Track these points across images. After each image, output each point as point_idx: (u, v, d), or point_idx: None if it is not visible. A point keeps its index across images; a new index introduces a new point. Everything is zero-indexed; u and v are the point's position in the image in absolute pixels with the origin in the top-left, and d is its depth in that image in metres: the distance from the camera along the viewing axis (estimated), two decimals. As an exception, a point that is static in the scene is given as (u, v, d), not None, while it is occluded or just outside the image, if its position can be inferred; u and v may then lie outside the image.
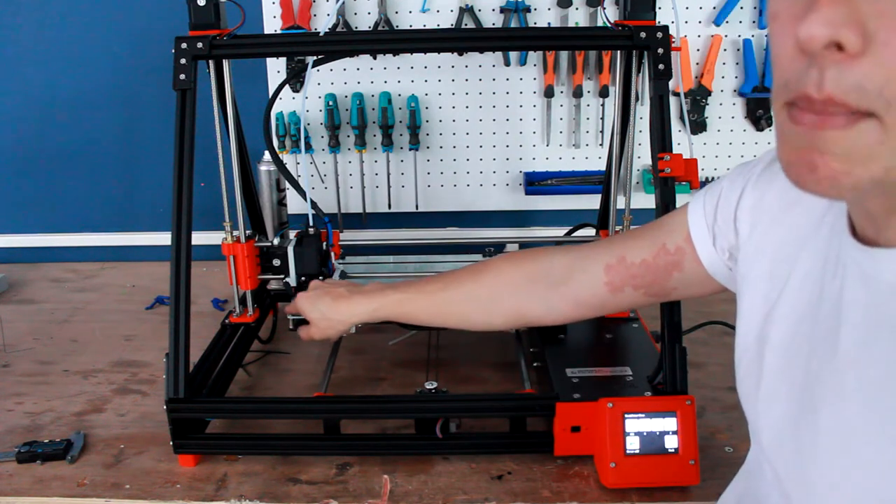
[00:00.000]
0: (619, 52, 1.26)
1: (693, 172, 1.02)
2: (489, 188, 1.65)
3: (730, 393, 1.13)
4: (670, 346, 0.97)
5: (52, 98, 1.63)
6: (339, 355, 1.20)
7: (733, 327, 1.28)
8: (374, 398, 1.12)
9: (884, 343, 0.47)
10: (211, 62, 1.12)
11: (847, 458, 0.49)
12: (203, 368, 1.10)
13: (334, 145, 1.60)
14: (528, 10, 1.52)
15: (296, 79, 1.54)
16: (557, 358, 1.12)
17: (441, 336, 1.29)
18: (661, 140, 1.03)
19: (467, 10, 1.52)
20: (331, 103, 1.57)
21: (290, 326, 1.18)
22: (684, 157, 1.02)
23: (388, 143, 1.59)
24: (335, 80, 1.58)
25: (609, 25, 1.08)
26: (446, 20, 1.54)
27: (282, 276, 1.23)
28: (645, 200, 1.32)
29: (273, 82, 1.59)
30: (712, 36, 1.54)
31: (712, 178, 1.63)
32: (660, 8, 1.06)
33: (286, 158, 1.61)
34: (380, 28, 1.53)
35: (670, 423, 0.93)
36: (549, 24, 1.54)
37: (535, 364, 1.17)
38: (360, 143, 1.59)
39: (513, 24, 1.52)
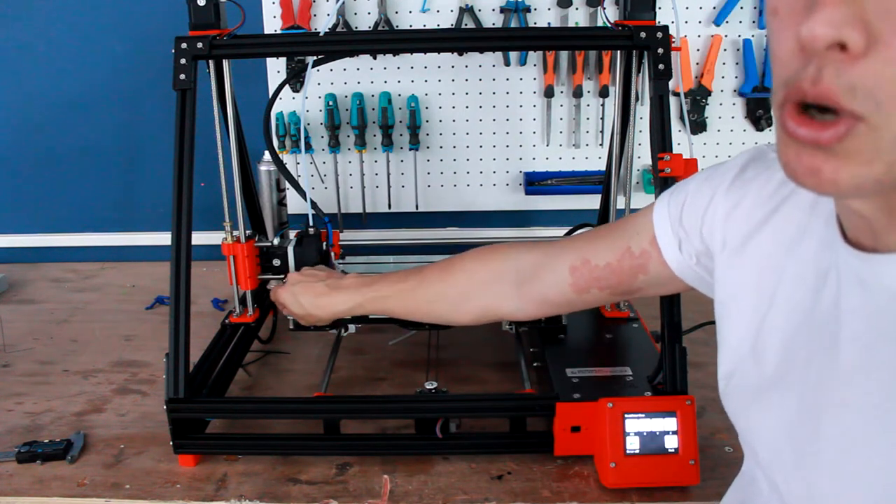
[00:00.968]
0: (619, 52, 1.26)
1: (693, 172, 1.02)
2: (489, 188, 1.65)
3: (730, 393, 1.13)
4: (670, 346, 0.97)
5: (53, 98, 1.63)
6: (339, 355, 1.20)
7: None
8: (374, 398, 1.12)
9: (887, 350, 0.47)
10: (211, 62, 1.12)
11: (851, 467, 0.49)
12: (203, 368, 1.10)
13: (334, 145, 1.60)
14: (528, 10, 1.52)
15: (296, 79, 1.54)
16: (557, 358, 1.12)
17: (441, 336, 1.29)
18: (661, 140, 1.03)
19: (467, 10, 1.52)
20: (331, 103, 1.57)
21: (291, 326, 1.18)
22: (684, 157, 1.02)
23: (388, 143, 1.59)
24: (335, 80, 1.58)
25: (609, 25, 1.08)
26: (446, 20, 1.54)
27: (282, 276, 1.23)
28: (645, 200, 1.32)
29: (273, 82, 1.59)
30: (712, 36, 1.54)
31: (712, 178, 1.63)
32: (660, 8, 1.06)
33: (286, 158, 1.61)
34: (380, 28, 1.53)
35: (670, 423, 0.93)
36: (549, 24, 1.54)
37: (535, 364, 1.17)
38: (360, 143, 1.59)
39: (513, 24, 1.52)
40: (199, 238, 1.08)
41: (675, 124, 1.30)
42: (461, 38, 1.24)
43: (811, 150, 0.41)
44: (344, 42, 1.19)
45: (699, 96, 1.57)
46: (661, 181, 1.01)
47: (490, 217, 1.67)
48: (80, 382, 1.22)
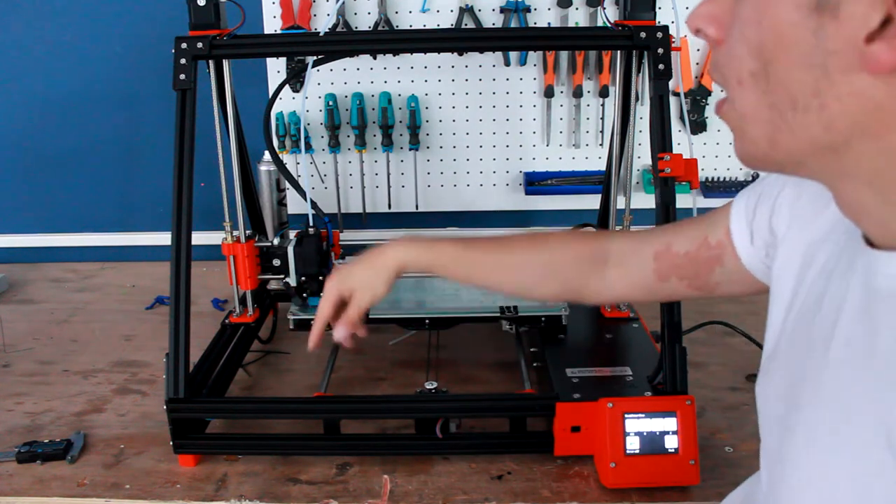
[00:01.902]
0: (619, 52, 1.26)
1: (693, 172, 1.02)
2: (489, 188, 1.65)
3: (730, 393, 1.13)
4: (670, 346, 0.97)
5: (53, 98, 1.63)
6: (339, 355, 1.20)
7: (733, 327, 1.30)
8: (374, 398, 1.12)
9: (863, 349, 0.47)
10: (211, 62, 1.12)
11: (813, 467, 0.49)
12: (203, 368, 1.10)
13: (334, 145, 1.60)
14: (528, 10, 1.52)
15: (296, 79, 1.54)
16: (557, 358, 1.12)
17: (441, 336, 1.29)
18: (661, 140, 1.03)
19: (467, 10, 1.52)
20: (331, 103, 1.57)
21: (291, 326, 1.18)
22: (684, 157, 1.02)
23: (388, 143, 1.59)
24: (335, 80, 1.58)
25: (609, 25, 1.08)
26: (446, 20, 1.54)
27: (282, 276, 1.23)
28: (645, 200, 1.32)
29: (273, 82, 1.59)
30: (712, 36, 1.53)
31: (712, 178, 1.63)
32: (660, 8, 1.06)
33: (286, 158, 1.61)
34: (380, 28, 1.53)
35: (670, 423, 0.93)
36: (549, 24, 1.54)
37: (535, 364, 1.17)
38: (360, 143, 1.59)
39: (513, 24, 1.52)
40: (199, 238, 1.08)
41: (675, 124, 1.30)
42: (461, 38, 1.24)
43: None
44: (344, 42, 1.19)
45: (699, 96, 1.57)
46: (661, 181, 1.01)
47: (490, 217, 1.67)
48: (80, 382, 1.22)
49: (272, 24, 1.55)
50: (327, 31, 1.06)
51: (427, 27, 1.53)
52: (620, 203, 1.22)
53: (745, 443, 1.01)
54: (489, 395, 1.14)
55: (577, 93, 1.57)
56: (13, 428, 1.10)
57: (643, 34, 1.03)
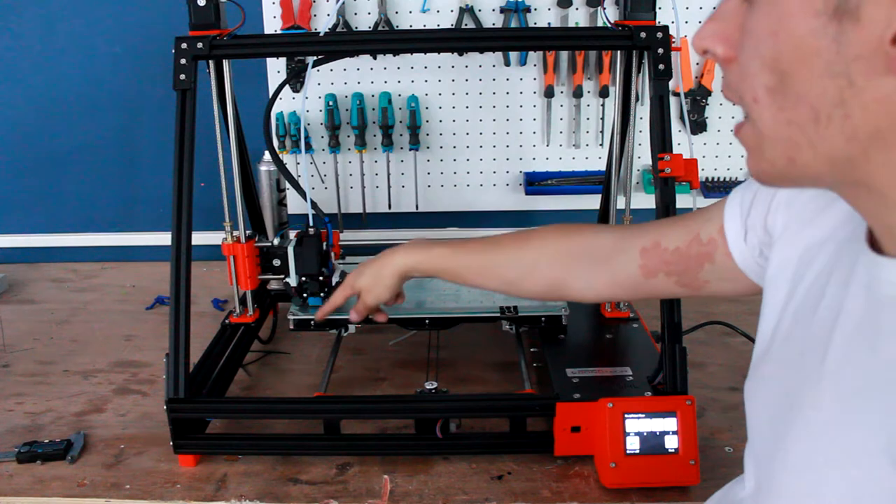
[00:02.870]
0: (619, 52, 1.26)
1: (693, 172, 1.02)
2: (489, 188, 1.65)
3: (730, 393, 1.13)
4: (670, 346, 0.97)
5: (53, 98, 1.63)
6: (339, 355, 1.20)
7: (733, 327, 1.30)
8: (374, 398, 1.12)
9: (865, 357, 0.46)
10: (211, 62, 1.12)
11: (811, 474, 0.48)
12: (203, 368, 1.10)
13: (334, 145, 1.60)
14: (528, 10, 1.52)
15: (296, 79, 1.54)
16: (557, 358, 1.12)
17: (441, 336, 1.29)
18: (661, 140, 1.03)
19: (467, 10, 1.52)
20: (331, 103, 1.57)
21: (291, 326, 1.18)
22: (684, 157, 1.02)
23: (388, 143, 1.59)
24: (335, 80, 1.58)
25: (609, 25, 1.08)
26: (446, 20, 1.54)
27: (282, 276, 1.23)
28: (645, 200, 1.33)
29: (273, 82, 1.59)
30: (712, 36, 1.53)
31: (712, 178, 1.63)
32: (660, 8, 1.06)
33: (286, 158, 1.61)
34: (380, 28, 1.53)
35: (670, 424, 0.93)
36: (549, 24, 1.54)
37: (535, 364, 1.17)
38: (360, 143, 1.59)
39: (513, 24, 1.52)
40: (199, 238, 1.08)
41: (675, 124, 1.30)
42: (461, 38, 1.24)
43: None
44: (344, 42, 1.19)
45: (699, 96, 1.57)
46: (661, 181, 1.01)
47: (490, 217, 1.67)
48: (80, 382, 1.22)
49: (272, 24, 1.55)
50: (327, 31, 1.06)
51: (427, 27, 1.53)
52: (620, 203, 1.22)
53: (745, 443, 1.01)
54: (489, 395, 1.14)
55: (578, 93, 1.57)
56: (13, 428, 1.10)
57: (643, 34, 1.03)
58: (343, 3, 1.52)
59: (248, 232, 1.22)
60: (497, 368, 1.23)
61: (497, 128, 1.61)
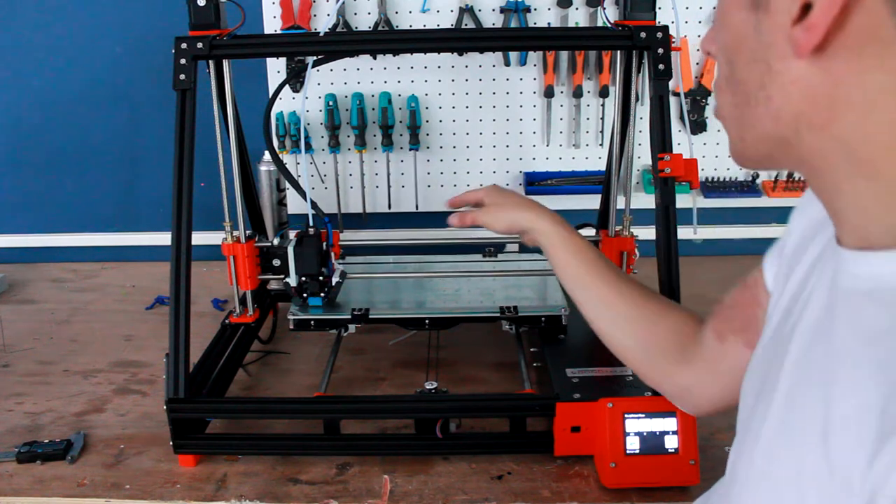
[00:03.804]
0: (619, 52, 1.26)
1: (693, 172, 1.02)
2: (489, 188, 1.65)
3: (730, 393, 1.13)
4: (670, 346, 0.97)
5: (53, 98, 1.63)
6: (339, 355, 1.20)
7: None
8: (374, 398, 1.12)
9: (819, 349, 0.47)
10: (211, 62, 1.12)
11: (761, 465, 0.49)
12: (203, 368, 1.10)
13: (334, 145, 1.60)
14: (528, 10, 1.52)
15: (296, 79, 1.54)
16: (557, 358, 1.12)
17: (441, 336, 1.29)
18: (661, 140, 1.03)
19: (467, 10, 1.52)
20: (331, 103, 1.57)
21: (291, 326, 1.19)
22: (684, 157, 1.02)
23: (388, 143, 1.59)
24: (335, 80, 1.58)
25: (609, 25, 1.08)
26: (446, 20, 1.54)
27: (282, 276, 1.23)
28: (645, 200, 1.32)
29: (273, 82, 1.59)
30: (712, 36, 1.54)
31: (712, 178, 1.63)
32: (660, 8, 1.06)
33: (286, 158, 1.61)
34: (380, 28, 1.53)
35: (670, 423, 0.93)
36: (549, 24, 1.54)
37: (535, 364, 1.17)
38: (360, 143, 1.59)
39: (513, 24, 1.52)
40: (199, 238, 1.08)
41: (675, 124, 1.30)
42: (461, 38, 1.24)
43: None
44: (344, 42, 1.19)
45: (699, 96, 1.57)
46: (661, 181, 1.01)
47: (490, 217, 1.67)
48: (80, 382, 1.22)
49: (272, 24, 1.55)
50: (327, 31, 1.06)
51: (427, 27, 1.53)
52: (620, 203, 1.22)
53: (745, 443, 1.01)
54: (489, 395, 1.14)
55: (577, 93, 1.57)
56: (13, 428, 1.10)
57: (643, 34, 1.03)
58: (343, 3, 1.52)
59: (248, 232, 1.22)
60: (497, 368, 1.23)
61: (497, 128, 1.61)
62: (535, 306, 1.21)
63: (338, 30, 1.53)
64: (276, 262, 1.23)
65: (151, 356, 1.30)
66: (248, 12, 1.10)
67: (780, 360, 0.52)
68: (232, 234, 1.20)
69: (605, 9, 1.38)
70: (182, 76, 1.04)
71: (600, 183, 1.42)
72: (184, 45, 1.04)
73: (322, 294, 1.18)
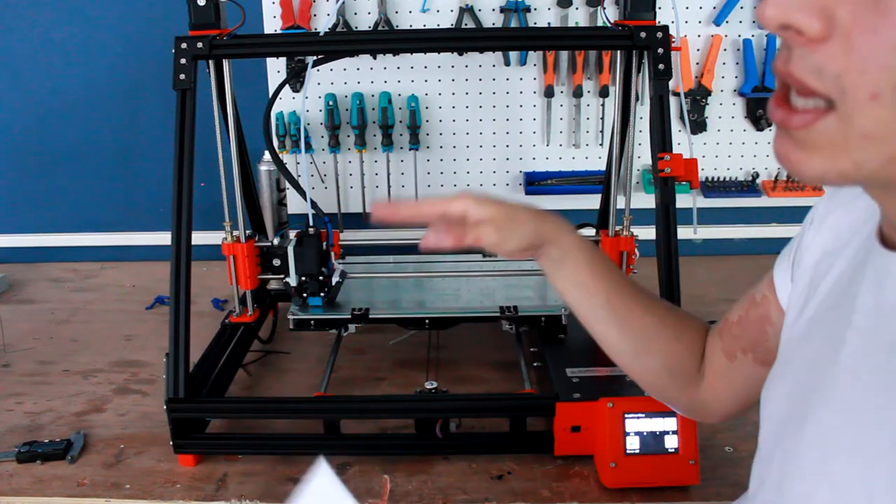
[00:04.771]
0: (619, 52, 1.26)
1: (693, 172, 1.02)
2: (489, 188, 1.65)
3: (730, 393, 1.13)
4: (670, 346, 0.97)
5: (53, 98, 1.63)
6: (339, 355, 1.20)
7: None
8: (374, 398, 1.12)
9: (881, 356, 0.45)
10: (211, 62, 1.12)
11: (819, 475, 0.47)
12: (203, 368, 1.10)
13: (334, 145, 1.60)
14: (528, 10, 1.52)
15: (296, 79, 1.54)
16: (557, 358, 1.12)
17: (441, 336, 1.29)
18: (661, 140, 1.03)
19: (467, 10, 1.52)
20: (331, 103, 1.57)
21: (291, 326, 1.19)
22: (684, 157, 1.02)
23: (388, 143, 1.59)
24: (335, 80, 1.58)
25: (609, 25, 1.08)
26: (446, 20, 1.54)
27: (282, 276, 1.23)
28: (645, 200, 1.32)
29: (273, 82, 1.59)
30: (712, 36, 1.54)
31: (712, 178, 1.63)
32: (660, 8, 1.06)
33: (286, 158, 1.61)
34: (380, 28, 1.53)
35: (670, 423, 0.93)
36: (549, 24, 1.54)
37: (535, 364, 1.17)
38: (360, 143, 1.59)
39: (513, 24, 1.52)
40: (199, 238, 1.08)
41: (675, 124, 1.30)
42: (461, 38, 1.24)
43: (783, 135, 0.42)
44: (344, 42, 1.19)
45: (699, 96, 1.57)
46: (661, 181, 1.01)
47: (490, 217, 1.67)
48: (80, 382, 1.22)
49: (272, 24, 1.55)
50: (327, 31, 1.06)
51: (427, 27, 1.53)
52: (620, 203, 1.22)
53: (745, 443, 1.01)
54: (489, 395, 1.14)
55: (577, 93, 1.57)
56: (13, 428, 1.10)
57: (643, 34, 1.03)
58: (343, 3, 1.52)
59: (248, 232, 1.22)
60: (497, 368, 1.23)
61: (497, 127, 1.61)
62: (535, 306, 1.21)
63: (338, 30, 1.53)
64: (276, 262, 1.23)
65: (151, 356, 1.30)
66: (248, 12, 1.10)
67: (827, 370, 0.49)
68: (232, 233, 1.20)
69: (605, 9, 1.38)
70: (182, 76, 1.04)
71: (600, 183, 1.42)
72: (184, 45, 1.04)
73: (322, 294, 1.18)
